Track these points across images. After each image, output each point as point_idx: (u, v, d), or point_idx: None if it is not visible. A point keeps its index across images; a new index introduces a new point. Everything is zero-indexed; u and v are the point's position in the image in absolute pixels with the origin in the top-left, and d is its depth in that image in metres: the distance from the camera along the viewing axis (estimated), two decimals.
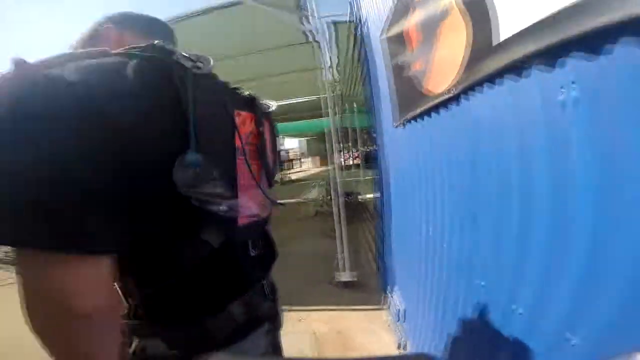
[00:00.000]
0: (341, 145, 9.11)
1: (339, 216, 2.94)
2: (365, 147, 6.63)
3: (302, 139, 21.78)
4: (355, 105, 6.03)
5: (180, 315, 0.50)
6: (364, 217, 4.60)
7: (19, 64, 0.36)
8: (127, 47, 0.44)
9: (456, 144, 1.06)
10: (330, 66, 4.18)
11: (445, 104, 1.04)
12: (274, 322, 0.65)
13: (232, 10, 2.37)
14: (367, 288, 2.68)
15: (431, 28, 1.06)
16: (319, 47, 2.97)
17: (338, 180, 3.10)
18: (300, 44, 3.00)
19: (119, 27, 0.58)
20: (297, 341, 2.03)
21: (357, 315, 2.29)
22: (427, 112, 1.26)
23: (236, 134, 0.54)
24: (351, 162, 12.03)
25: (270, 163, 0.65)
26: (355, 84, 4.23)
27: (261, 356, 0.57)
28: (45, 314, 0.36)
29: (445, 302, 1.22)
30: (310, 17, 2.53)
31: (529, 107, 0.66)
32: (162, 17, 0.68)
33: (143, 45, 0.44)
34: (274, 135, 0.75)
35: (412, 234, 1.65)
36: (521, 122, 0.69)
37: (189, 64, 0.46)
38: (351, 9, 2.60)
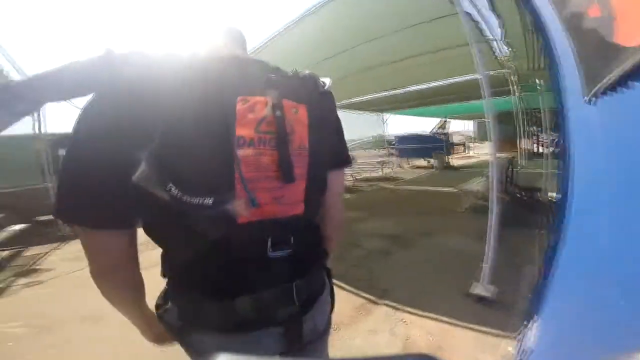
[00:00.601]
0: (522, 129, 7.49)
1: (494, 215, 2.42)
2: (553, 131, 5.20)
3: (471, 121, 19.37)
4: (539, 82, 4.80)
5: (188, 294, 0.56)
6: (540, 221, 3.63)
7: (109, 52, 0.49)
8: None
9: None
10: (494, 38, 3.44)
11: None
12: (298, 329, 0.59)
13: None
14: (504, 309, 2.15)
15: None
16: (472, 18, 2.47)
17: (495, 170, 2.53)
18: (448, 15, 2.59)
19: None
20: (384, 342, 1.89)
21: (472, 337, 1.88)
22: (627, 77, 0.80)
23: (236, 123, 0.50)
24: (538, 150, 9.80)
25: (290, 153, 0.55)
26: (534, 56, 3.33)
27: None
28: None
29: None
30: None
31: None
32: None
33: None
34: (322, 120, 0.63)
35: (586, 260, 1.14)
36: None
37: (178, 58, 0.50)
38: None
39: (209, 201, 0.47)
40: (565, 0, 1.05)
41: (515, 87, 5.72)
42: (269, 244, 0.55)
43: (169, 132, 0.45)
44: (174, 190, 0.45)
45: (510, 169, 5.33)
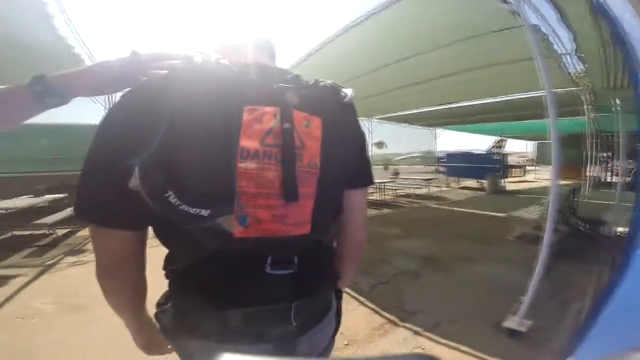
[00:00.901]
0: (592, 154, 6.73)
1: (545, 245, 2.17)
2: (630, 159, 4.59)
3: (532, 142, 17.91)
4: (617, 102, 4.30)
5: (185, 298, 0.56)
6: (601, 257, 3.20)
7: (135, 54, 0.52)
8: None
9: None
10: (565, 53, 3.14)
11: None
12: (290, 350, 0.56)
13: None
14: (535, 346, 1.95)
15: None
16: (537, 29, 2.29)
17: (554, 197, 2.27)
18: (510, 28, 2.42)
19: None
20: None
21: None
22: None
23: (241, 133, 0.47)
24: (609, 179, 8.80)
25: (297, 170, 0.51)
26: (613, 73, 2.97)
27: None
28: None
29: None
30: None
31: None
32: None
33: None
34: (340, 135, 0.58)
35: None
36: None
37: (190, 62, 0.48)
38: None
39: (205, 213, 0.46)
40: None
41: (587, 106, 5.16)
42: (269, 261, 0.53)
43: (172, 137, 0.44)
44: (173, 198, 0.44)
45: (573, 198, 4.79)
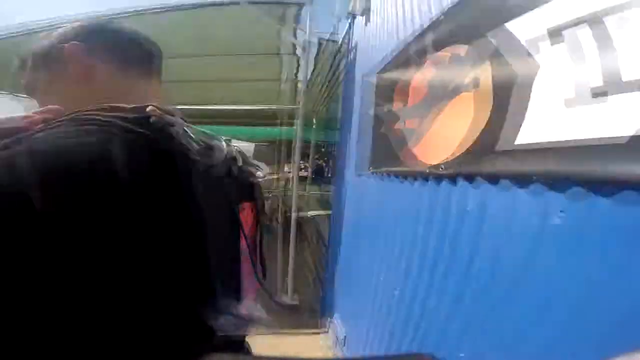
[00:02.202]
0: (296, 157, 9.05)
1: (288, 234, 2.88)
2: (317, 159, 6.65)
3: (252, 143, 21.17)
4: (314, 120, 5.96)
5: None
6: (304, 236, 4.43)
7: None
8: (108, 105, 0.30)
9: (429, 216, 1.07)
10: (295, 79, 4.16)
11: (429, 176, 1.04)
12: None
13: (226, 9, 2.27)
14: (309, 312, 2.66)
15: (439, 97, 1.02)
16: (298, 61, 3.00)
17: (292, 193, 3.03)
18: (281, 54, 2.96)
19: (88, 50, 0.40)
20: None
21: (296, 340, 2.29)
22: (408, 174, 1.25)
23: (241, 232, 0.42)
24: (301, 175, 11.96)
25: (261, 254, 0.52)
26: (324, 102, 4.26)
27: None
28: None
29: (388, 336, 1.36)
30: (299, 31, 2.55)
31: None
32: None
33: (133, 115, 0.29)
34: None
35: (364, 274, 1.73)
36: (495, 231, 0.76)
37: (192, 154, 0.31)
38: (338, 32, 2.78)
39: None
40: (386, 99, 1.46)
41: (297, 120, 6.88)
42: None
43: None
44: None
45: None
